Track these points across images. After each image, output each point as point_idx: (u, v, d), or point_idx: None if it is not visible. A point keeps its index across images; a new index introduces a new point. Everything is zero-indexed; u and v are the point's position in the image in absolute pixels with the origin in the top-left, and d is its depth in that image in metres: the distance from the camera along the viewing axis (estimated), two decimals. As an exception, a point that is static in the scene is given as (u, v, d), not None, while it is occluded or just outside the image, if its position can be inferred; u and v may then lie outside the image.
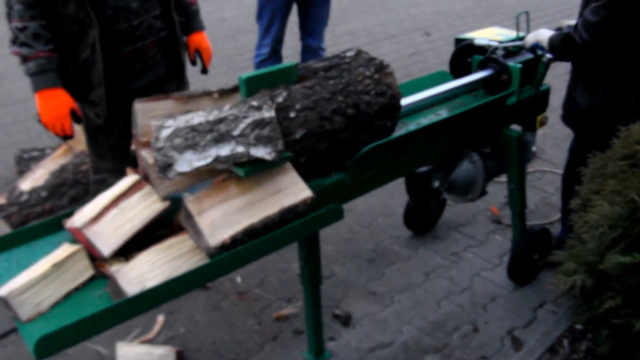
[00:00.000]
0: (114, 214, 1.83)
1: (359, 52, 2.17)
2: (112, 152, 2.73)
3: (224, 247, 1.81)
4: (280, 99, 1.92)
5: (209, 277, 1.90)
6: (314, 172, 2.10)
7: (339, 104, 2.00)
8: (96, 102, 2.56)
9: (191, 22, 2.87)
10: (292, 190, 1.93)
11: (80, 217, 1.82)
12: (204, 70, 2.99)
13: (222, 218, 1.81)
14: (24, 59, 2.36)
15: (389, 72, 2.12)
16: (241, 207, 1.85)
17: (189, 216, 1.82)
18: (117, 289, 1.74)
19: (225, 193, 1.85)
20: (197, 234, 1.82)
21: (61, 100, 2.42)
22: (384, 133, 2.18)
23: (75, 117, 2.49)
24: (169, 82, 2.81)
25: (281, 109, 1.91)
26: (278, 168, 1.92)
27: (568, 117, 2.82)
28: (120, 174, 2.30)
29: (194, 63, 2.96)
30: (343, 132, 2.03)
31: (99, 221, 1.80)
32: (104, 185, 2.49)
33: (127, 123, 2.42)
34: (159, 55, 2.69)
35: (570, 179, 2.83)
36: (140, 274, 1.76)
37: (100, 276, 1.84)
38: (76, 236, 1.84)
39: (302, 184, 1.94)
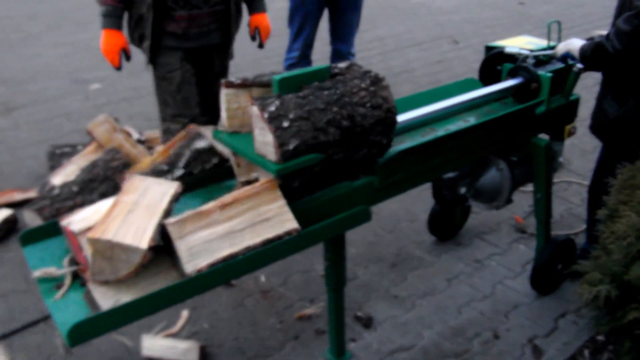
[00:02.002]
0: None
1: (351, 65, 2.13)
2: (172, 97, 3.26)
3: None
4: (272, 108, 1.86)
5: (219, 282, 1.87)
6: (306, 194, 2.06)
7: (333, 115, 1.93)
8: (145, 51, 3.19)
9: (255, 3, 3.47)
10: (279, 219, 1.88)
11: (78, 221, 1.79)
12: (260, 46, 3.58)
13: (202, 245, 1.77)
14: (100, 3, 3.05)
15: (385, 86, 2.06)
16: (224, 235, 1.81)
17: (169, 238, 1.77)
18: (92, 301, 1.73)
19: (209, 218, 1.81)
20: (174, 256, 1.78)
21: (115, 40, 3.11)
22: (380, 150, 2.11)
23: (125, 55, 3.16)
24: (219, 51, 3.36)
25: (274, 118, 1.85)
26: (267, 196, 1.89)
27: (597, 127, 2.82)
28: (180, 120, 3.23)
29: (253, 38, 3.54)
30: (337, 148, 1.97)
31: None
32: (170, 134, 3.14)
33: (185, 73, 3.22)
34: (213, 25, 3.23)
35: (597, 189, 2.83)
36: (116, 287, 1.73)
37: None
38: (69, 237, 1.82)
39: (289, 214, 1.90)
